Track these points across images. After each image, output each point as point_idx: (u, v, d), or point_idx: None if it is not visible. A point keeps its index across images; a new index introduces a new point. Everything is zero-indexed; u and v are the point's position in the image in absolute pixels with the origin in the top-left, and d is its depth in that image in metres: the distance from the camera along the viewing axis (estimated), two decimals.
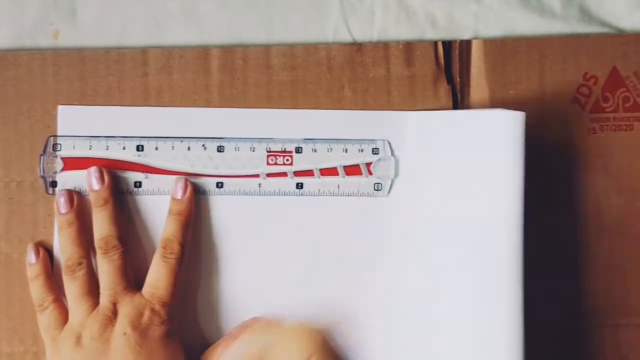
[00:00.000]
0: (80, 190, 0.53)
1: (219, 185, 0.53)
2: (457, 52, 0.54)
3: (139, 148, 0.53)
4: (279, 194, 0.54)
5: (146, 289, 0.51)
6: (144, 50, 0.54)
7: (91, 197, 0.52)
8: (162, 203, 0.53)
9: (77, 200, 0.52)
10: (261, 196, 0.54)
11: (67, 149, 0.53)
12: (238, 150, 0.53)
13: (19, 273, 0.53)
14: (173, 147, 0.53)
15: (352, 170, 0.54)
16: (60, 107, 0.53)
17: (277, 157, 0.54)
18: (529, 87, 0.54)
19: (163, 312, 0.50)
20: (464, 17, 0.56)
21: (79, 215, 0.52)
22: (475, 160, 0.53)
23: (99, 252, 0.51)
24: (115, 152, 0.53)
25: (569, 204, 0.54)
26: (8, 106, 0.54)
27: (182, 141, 0.53)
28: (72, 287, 0.51)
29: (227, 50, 0.54)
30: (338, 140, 0.54)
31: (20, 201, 0.54)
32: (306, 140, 0.54)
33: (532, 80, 0.54)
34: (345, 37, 0.55)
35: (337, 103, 0.54)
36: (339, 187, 0.54)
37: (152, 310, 0.50)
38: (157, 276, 0.51)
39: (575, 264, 0.54)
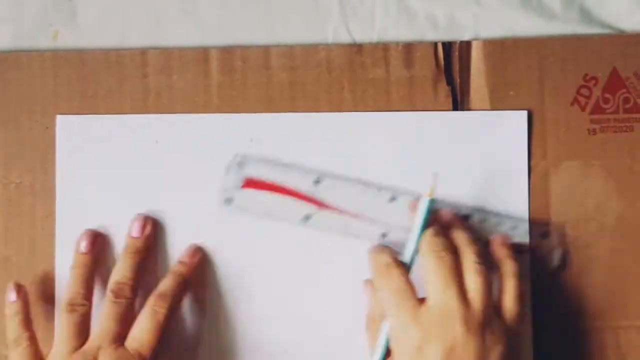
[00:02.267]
0: (253, 210, 0.53)
1: (384, 235, 0.53)
2: (457, 53, 0.54)
3: (316, 181, 0.53)
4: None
5: (128, 340, 0.50)
6: (143, 51, 0.54)
7: (127, 240, 0.52)
8: (325, 241, 0.53)
9: (99, 243, 0.52)
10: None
11: (251, 169, 0.53)
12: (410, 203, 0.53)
13: (16, 275, 0.53)
14: (348, 187, 0.53)
15: None
16: (59, 117, 0.53)
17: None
18: (529, 88, 0.54)
19: None
20: (464, 18, 0.56)
21: (96, 257, 0.52)
22: (479, 160, 0.53)
23: (109, 294, 0.50)
24: (293, 180, 0.53)
25: (568, 204, 0.54)
26: (8, 108, 0.54)
27: (357, 183, 0.53)
28: (65, 324, 0.50)
29: (227, 51, 0.54)
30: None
31: (19, 203, 0.53)
32: None
33: (532, 81, 0.54)
34: (345, 38, 0.55)
35: (336, 104, 0.54)
36: None
37: None
38: (140, 328, 0.50)
39: (575, 264, 0.54)
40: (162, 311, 0.50)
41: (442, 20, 0.56)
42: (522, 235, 0.53)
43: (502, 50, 0.54)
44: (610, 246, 0.54)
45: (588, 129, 0.54)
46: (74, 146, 0.53)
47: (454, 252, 0.49)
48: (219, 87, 0.54)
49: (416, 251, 0.49)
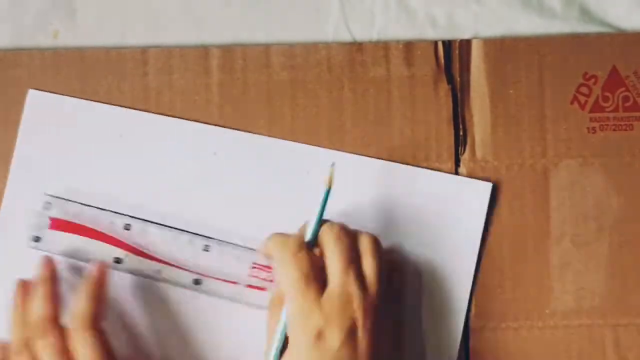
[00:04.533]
0: (58, 251, 0.52)
1: (197, 282, 0.52)
2: (457, 51, 0.54)
3: (127, 227, 0.52)
4: (255, 307, 0.52)
5: None
6: (143, 50, 0.54)
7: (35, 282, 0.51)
8: (138, 285, 0.53)
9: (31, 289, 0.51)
10: (237, 304, 0.52)
11: (58, 210, 0.52)
12: (223, 254, 0.52)
13: None
14: (160, 234, 0.52)
15: None
16: (30, 91, 0.53)
17: (262, 270, 0.52)
18: (529, 86, 0.54)
19: None
20: (464, 16, 0.56)
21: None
22: (436, 223, 0.53)
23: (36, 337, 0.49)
24: (103, 224, 0.52)
25: (568, 203, 0.54)
26: (8, 106, 0.54)
27: (170, 230, 0.52)
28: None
29: (227, 50, 0.54)
30: None
31: None
32: None
33: (532, 79, 0.54)
34: (345, 36, 0.55)
35: (336, 103, 0.54)
36: None
37: None
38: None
39: (575, 262, 0.54)
40: (91, 338, 0.48)
41: (442, 18, 0.56)
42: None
43: (502, 48, 0.55)
44: (609, 244, 0.54)
45: (587, 128, 0.54)
46: (40, 122, 0.53)
47: (352, 238, 0.49)
48: (220, 86, 0.54)
49: (314, 237, 0.49)
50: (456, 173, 0.54)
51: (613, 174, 0.54)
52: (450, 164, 0.54)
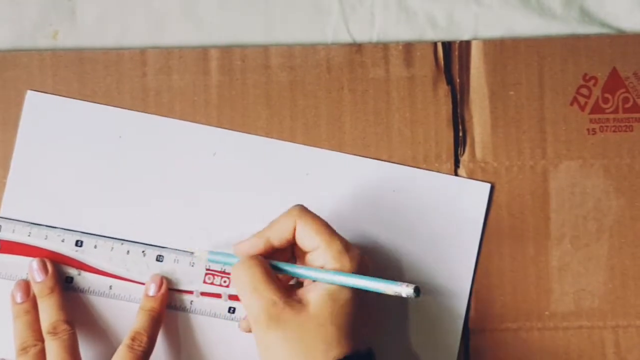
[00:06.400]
0: (11, 276, 0.52)
1: None
2: (456, 52, 0.54)
3: (78, 243, 0.52)
4: (210, 315, 0.52)
5: None
6: (143, 51, 0.54)
7: (35, 290, 0.51)
8: (90, 303, 0.52)
9: (33, 290, 0.51)
10: (191, 314, 0.53)
11: (6, 232, 0.52)
12: (177, 262, 0.52)
13: None
14: (112, 248, 0.52)
15: None
16: (29, 93, 0.53)
17: (215, 276, 0.52)
18: (529, 87, 0.54)
19: None
20: (464, 17, 0.56)
21: (35, 304, 0.51)
22: (435, 224, 0.53)
23: (47, 337, 0.49)
24: (54, 243, 0.52)
25: (568, 204, 0.54)
26: (8, 107, 0.54)
27: (122, 244, 0.52)
28: None
29: (226, 51, 0.54)
30: None
31: None
32: None
33: (532, 81, 0.54)
34: (344, 37, 0.55)
35: (336, 104, 0.54)
36: None
37: None
38: None
39: (575, 264, 0.54)
40: (139, 348, 0.49)
41: (442, 19, 0.56)
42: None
43: (502, 50, 0.54)
44: (609, 245, 0.54)
45: (587, 129, 0.54)
46: (39, 124, 0.53)
47: None
48: (219, 87, 0.54)
49: None
50: (455, 174, 0.54)
51: (613, 175, 0.54)
52: (450, 165, 0.54)
